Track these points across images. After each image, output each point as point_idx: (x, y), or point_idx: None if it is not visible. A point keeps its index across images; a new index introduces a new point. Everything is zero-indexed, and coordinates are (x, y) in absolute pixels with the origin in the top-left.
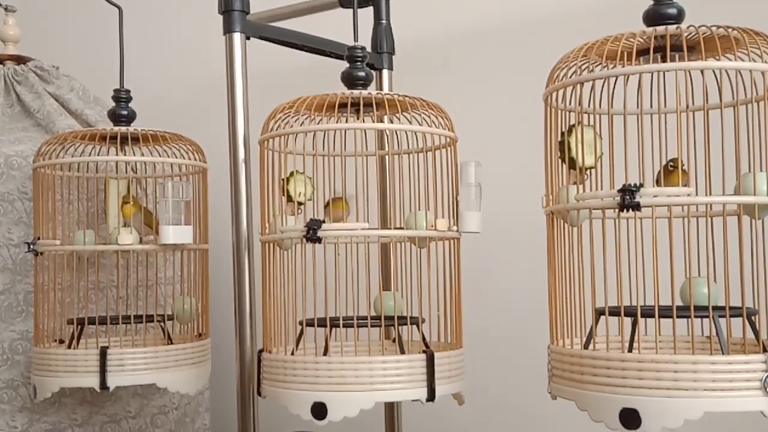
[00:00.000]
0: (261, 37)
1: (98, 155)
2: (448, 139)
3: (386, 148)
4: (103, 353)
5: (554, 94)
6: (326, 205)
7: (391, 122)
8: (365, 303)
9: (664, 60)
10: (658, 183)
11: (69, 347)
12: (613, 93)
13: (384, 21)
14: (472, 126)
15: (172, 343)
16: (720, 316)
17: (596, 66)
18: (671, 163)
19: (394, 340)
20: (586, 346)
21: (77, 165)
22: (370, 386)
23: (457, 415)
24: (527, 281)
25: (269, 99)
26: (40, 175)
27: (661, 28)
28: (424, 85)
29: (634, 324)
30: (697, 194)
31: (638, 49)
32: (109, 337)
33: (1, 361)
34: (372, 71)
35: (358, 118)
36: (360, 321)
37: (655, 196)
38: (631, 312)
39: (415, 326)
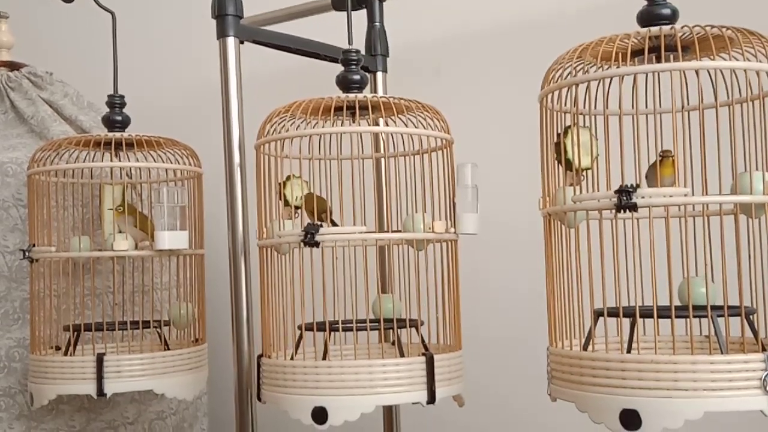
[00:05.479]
0: (255, 41)
1: (93, 161)
2: (444, 141)
3: (382, 151)
4: (100, 360)
5: (550, 96)
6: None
7: (387, 125)
8: (364, 306)
9: (659, 60)
10: (648, 177)
11: (66, 354)
12: (608, 94)
13: (378, 23)
14: (468, 128)
15: (168, 349)
16: (718, 316)
17: (591, 67)
18: (662, 154)
19: (393, 343)
20: (585, 348)
21: (72, 171)
22: (370, 390)
23: (457, 417)
24: (525, 282)
25: (264, 103)
26: (34, 182)
27: (655, 29)
28: (419, 87)
29: (633, 324)
30: (693, 194)
31: (633, 49)
32: (105, 343)
33: None
34: (367, 74)
35: (353, 122)
36: (359, 324)
37: (651, 197)
38: (629, 312)
39: (414, 329)
